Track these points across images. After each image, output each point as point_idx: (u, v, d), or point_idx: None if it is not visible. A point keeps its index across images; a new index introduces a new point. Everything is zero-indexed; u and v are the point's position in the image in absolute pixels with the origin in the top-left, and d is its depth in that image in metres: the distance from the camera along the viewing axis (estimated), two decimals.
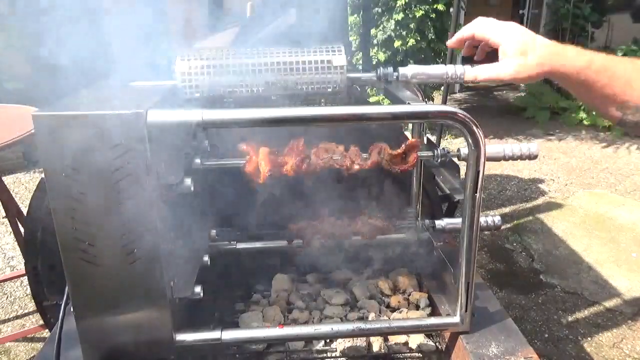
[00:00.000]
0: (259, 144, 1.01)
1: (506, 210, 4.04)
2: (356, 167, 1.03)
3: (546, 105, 6.41)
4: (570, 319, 2.78)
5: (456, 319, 1.07)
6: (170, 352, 0.97)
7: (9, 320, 2.81)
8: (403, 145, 1.03)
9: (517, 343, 1.06)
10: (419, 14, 5.30)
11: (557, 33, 6.51)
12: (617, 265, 3.20)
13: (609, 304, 2.88)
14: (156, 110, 0.81)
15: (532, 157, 1.07)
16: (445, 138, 5.63)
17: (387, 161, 1.04)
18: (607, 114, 0.96)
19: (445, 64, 1.04)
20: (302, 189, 1.23)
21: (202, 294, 1.03)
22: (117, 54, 1.14)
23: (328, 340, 1.24)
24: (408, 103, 0.99)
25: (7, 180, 4.47)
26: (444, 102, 3.97)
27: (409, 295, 1.40)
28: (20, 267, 3.12)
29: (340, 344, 1.24)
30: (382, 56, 5.59)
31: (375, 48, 5.64)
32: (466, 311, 1.05)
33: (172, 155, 0.95)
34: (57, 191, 0.82)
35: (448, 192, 1.69)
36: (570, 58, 0.93)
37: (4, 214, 2.36)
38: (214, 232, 1.32)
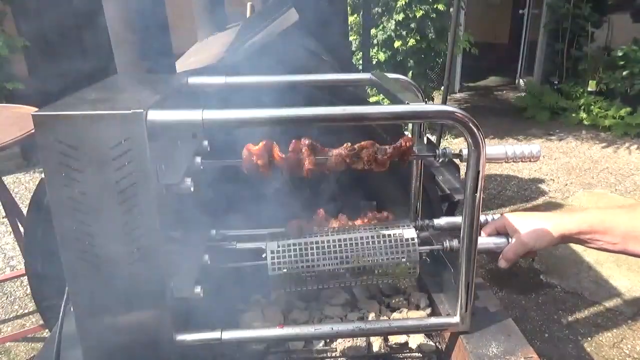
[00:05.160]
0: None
1: (506, 210, 4.03)
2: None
3: (546, 105, 6.42)
4: (570, 319, 2.78)
5: (456, 319, 1.07)
6: (170, 352, 0.97)
7: (9, 320, 2.81)
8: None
9: (517, 343, 1.06)
10: (419, 14, 5.30)
11: (557, 33, 6.50)
12: (617, 265, 3.20)
13: (609, 304, 2.88)
14: (156, 110, 0.81)
15: (534, 159, 1.06)
16: (445, 138, 5.63)
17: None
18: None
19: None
20: (299, 187, 1.23)
21: (202, 294, 1.03)
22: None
23: (328, 340, 1.24)
24: (408, 103, 0.99)
25: (7, 180, 4.47)
26: (444, 102, 3.97)
27: (409, 295, 1.40)
28: (20, 267, 3.12)
29: (340, 344, 1.24)
30: (382, 56, 5.59)
31: (375, 48, 5.64)
32: (466, 311, 1.05)
33: (172, 155, 0.95)
34: (57, 191, 0.82)
35: (448, 192, 1.69)
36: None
37: (4, 214, 2.36)
38: (213, 231, 1.32)
